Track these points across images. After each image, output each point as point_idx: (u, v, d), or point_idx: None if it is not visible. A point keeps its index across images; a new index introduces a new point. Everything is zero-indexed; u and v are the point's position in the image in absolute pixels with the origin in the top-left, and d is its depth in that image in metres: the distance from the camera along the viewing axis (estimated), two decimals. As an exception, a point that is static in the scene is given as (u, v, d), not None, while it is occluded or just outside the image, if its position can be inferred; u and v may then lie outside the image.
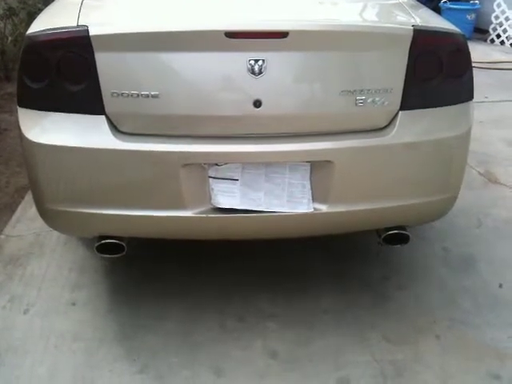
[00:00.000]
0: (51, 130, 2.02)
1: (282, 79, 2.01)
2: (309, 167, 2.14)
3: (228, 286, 2.65)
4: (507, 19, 7.68)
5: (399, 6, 2.35)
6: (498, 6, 7.75)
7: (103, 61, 1.94)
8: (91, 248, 2.51)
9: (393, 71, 2.08)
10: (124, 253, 2.25)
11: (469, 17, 7.78)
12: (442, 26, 2.21)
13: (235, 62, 1.96)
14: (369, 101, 2.06)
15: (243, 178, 2.14)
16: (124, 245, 2.22)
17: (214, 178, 2.12)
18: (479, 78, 3.65)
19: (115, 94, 1.97)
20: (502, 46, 7.79)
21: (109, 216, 2.13)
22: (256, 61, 1.94)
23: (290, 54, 1.99)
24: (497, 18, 7.81)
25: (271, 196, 2.14)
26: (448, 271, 2.80)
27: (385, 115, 2.13)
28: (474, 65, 2.25)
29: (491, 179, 3.77)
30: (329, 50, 2.01)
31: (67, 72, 1.96)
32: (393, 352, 2.30)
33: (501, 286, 2.70)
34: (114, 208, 2.12)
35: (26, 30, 2.08)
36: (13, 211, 3.27)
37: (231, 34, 1.91)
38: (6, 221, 3.17)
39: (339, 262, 2.85)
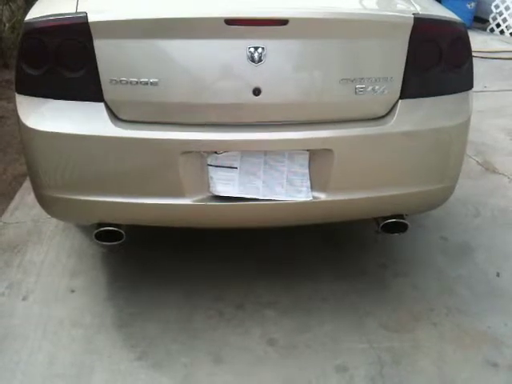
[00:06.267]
0: (49, 117, 2.02)
1: (282, 67, 2.00)
2: (308, 155, 2.14)
3: (227, 273, 2.66)
4: (507, 8, 7.65)
5: (399, -7, 2.34)
6: (499, -5, 7.73)
7: (102, 48, 1.93)
8: (89, 235, 2.52)
9: (393, 60, 2.08)
10: (123, 240, 2.25)
11: (469, 6, 7.74)
12: (442, 15, 2.20)
13: (235, 49, 1.95)
14: (369, 89, 2.06)
15: (242, 166, 2.14)
16: (122, 232, 2.22)
17: (212, 166, 2.12)
18: (478, 67, 3.65)
19: (114, 81, 1.96)
20: (502, 36, 7.77)
21: (107, 203, 2.13)
22: (256, 48, 1.94)
23: (290, 42, 1.98)
24: (497, 7, 7.78)
25: (270, 184, 2.14)
26: (445, 260, 2.82)
27: (384, 104, 2.13)
28: (473, 54, 2.25)
29: (489, 169, 3.78)
30: (329, 37, 2.01)
31: (66, 59, 1.95)
32: (390, 339, 2.31)
33: (498, 274, 2.71)
34: (113, 195, 2.12)
35: (24, 16, 2.07)
36: (11, 198, 3.27)
37: (231, 21, 1.90)
38: (3, 208, 3.16)
39: (337, 250, 2.86)
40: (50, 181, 2.12)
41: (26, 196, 3.25)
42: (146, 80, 1.95)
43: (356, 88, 2.05)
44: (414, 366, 2.19)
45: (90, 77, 1.96)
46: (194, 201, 2.12)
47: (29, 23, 1.97)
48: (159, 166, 2.07)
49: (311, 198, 2.15)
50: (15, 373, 2.12)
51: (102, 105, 2.00)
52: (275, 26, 1.93)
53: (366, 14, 2.15)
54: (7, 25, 5.54)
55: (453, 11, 2.31)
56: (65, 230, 2.94)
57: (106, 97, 1.99)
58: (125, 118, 2.03)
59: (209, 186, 2.13)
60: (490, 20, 7.93)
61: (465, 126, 2.25)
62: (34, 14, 2.03)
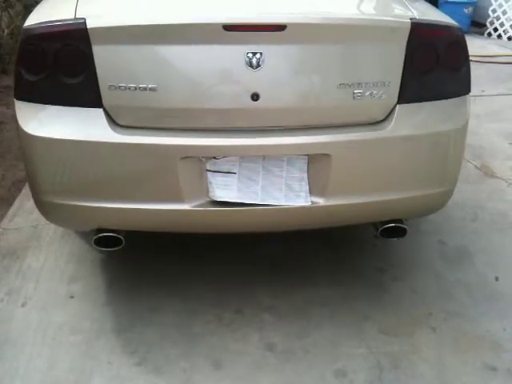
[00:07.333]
0: (49, 123, 2.02)
1: (280, 72, 2.01)
2: (306, 160, 2.14)
3: (225, 278, 2.66)
4: (504, 13, 7.68)
5: (397, -2, 2.35)
6: (496, -1, 7.76)
7: (101, 53, 1.94)
8: (88, 240, 2.52)
9: (390, 64, 2.09)
10: (122, 246, 2.25)
11: (466, 10, 7.77)
12: (439, 20, 2.21)
13: (233, 54, 1.96)
14: (366, 94, 2.07)
15: (241, 172, 2.14)
16: (121, 238, 2.22)
17: (211, 171, 2.12)
18: (476, 71, 3.66)
19: (113, 87, 1.97)
20: (499, 40, 7.79)
21: (106, 209, 2.13)
22: (254, 54, 1.95)
23: (288, 47, 1.99)
24: (494, 11, 7.80)
25: (269, 189, 2.15)
26: (444, 264, 2.82)
27: (382, 108, 2.13)
28: (470, 58, 2.26)
29: (487, 173, 3.79)
30: (326, 42, 2.01)
31: (64, 65, 1.96)
32: (389, 344, 2.31)
33: (497, 278, 2.72)
34: (112, 201, 2.12)
35: (23, 22, 2.08)
36: (10, 204, 3.27)
37: (229, 27, 1.91)
38: (2, 214, 3.16)
39: (335, 255, 2.87)
40: (49, 186, 2.12)
41: (25, 202, 3.25)
42: (145, 86, 1.96)
43: (354, 93, 2.06)
44: (413, 371, 2.19)
45: (88, 82, 1.97)
46: (193, 206, 2.12)
47: (27, 29, 1.98)
48: (158, 172, 2.07)
49: (310, 203, 2.16)
50: (14, 379, 2.12)
51: (100, 110, 2.01)
52: (273, 31, 1.94)
53: (364, 19, 2.16)
54: (6, 31, 5.54)
55: (450, 16, 2.32)
56: (64, 236, 2.94)
57: (104, 102, 2.00)
58: (123, 123, 2.03)
59: (208, 191, 2.14)
60: (488, 24, 7.96)
61: (463, 130, 2.26)
62: (32, 20, 2.04)
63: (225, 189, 2.13)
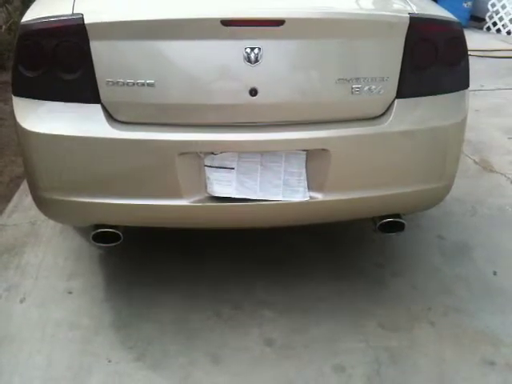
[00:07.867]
0: (46, 119, 2.02)
1: (278, 67, 2.01)
2: (305, 156, 2.14)
3: (224, 274, 2.66)
4: (503, 7, 7.67)
5: (395, -7, 2.34)
6: (495, -7, 7.75)
7: (98, 49, 1.93)
8: (87, 236, 2.52)
9: (389, 59, 2.08)
10: (120, 241, 2.25)
11: (465, 5, 7.76)
12: (438, 14, 2.21)
13: (231, 50, 1.95)
14: (365, 89, 2.06)
15: (239, 167, 2.14)
16: (120, 233, 2.22)
17: (210, 166, 2.12)
18: (475, 66, 3.66)
19: (110, 83, 1.96)
20: (498, 34, 7.79)
21: (104, 205, 2.13)
22: (252, 49, 1.94)
23: (286, 42, 1.99)
24: (493, 5, 7.80)
25: (267, 185, 2.15)
26: (443, 259, 2.82)
27: (381, 103, 2.13)
28: (469, 53, 2.25)
29: (486, 168, 3.79)
30: (325, 37, 2.01)
31: (62, 60, 1.95)
32: (388, 339, 2.31)
33: (495, 273, 2.72)
34: (110, 197, 2.12)
35: (21, 18, 2.07)
36: (8, 201, 3.26)
37: (227, 22, 1.90)
38: (1, 210, 3.16)
39: (334, 250, 2.87)
40: (47, 183, 2.11)
41: (23, 198, 3.24)
42: (143, 81, 1.95)
43: (352, 88, 2.06)
44: (412, 366, 2.19)
45: (86, 78, 1.96)
46: (192, 202, 2.12)
47: (25, 25, 1.97)
48: (156, 168, 2.07)
49: (308, 198, 2.15)
50: (13, 375, 2.12)
51: (98, 106, 2.00)
52: (271, 26, 1.94)
53: (362, 13, 2.16)
54: (4, 26, 5.53)
55: (449, 10, 2.31)
56: (62, 232, 2.94)
57: (102, 98, 1.99)
58: (122, 119, 2.03)
59: (206, 187, 2.13)
60: (487, 19, 7.95)
61: (461, 125, 2.26)
62: (30, 15, 2.03)
63: (223, 184, 2.13)
